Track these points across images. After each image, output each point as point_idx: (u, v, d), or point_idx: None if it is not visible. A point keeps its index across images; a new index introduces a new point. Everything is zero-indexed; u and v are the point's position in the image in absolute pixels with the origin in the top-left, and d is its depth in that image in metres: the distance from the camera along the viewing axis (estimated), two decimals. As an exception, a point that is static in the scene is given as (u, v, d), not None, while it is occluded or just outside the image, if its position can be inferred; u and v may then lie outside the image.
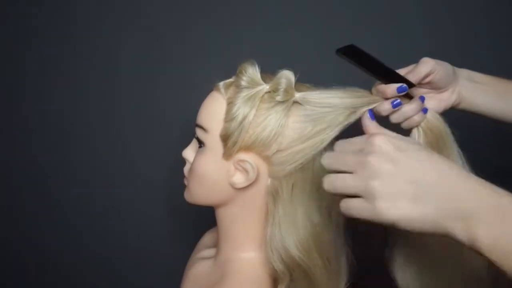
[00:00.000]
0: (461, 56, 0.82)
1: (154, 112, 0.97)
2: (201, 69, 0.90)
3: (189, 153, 0.67)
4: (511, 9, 0.80)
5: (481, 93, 0.62)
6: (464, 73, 0.63)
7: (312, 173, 0.60)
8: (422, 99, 0.60)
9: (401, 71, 0.61)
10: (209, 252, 0.75)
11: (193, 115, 0.64)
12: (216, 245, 0.71)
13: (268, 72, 0.62)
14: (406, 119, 0.59)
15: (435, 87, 0.61)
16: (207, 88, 0.65)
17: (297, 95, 0.59)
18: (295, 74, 0.60)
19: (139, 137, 0.98)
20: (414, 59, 0.82)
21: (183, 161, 0.68)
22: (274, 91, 0.58)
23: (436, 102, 0.62)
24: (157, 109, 0.96)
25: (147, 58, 0.95)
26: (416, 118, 0.59)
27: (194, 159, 0.64)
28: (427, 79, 0.60)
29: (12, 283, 1.12)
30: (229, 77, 0.64)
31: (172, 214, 1.01)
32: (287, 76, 0.59)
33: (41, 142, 1.03)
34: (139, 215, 1.03)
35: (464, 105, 0.63)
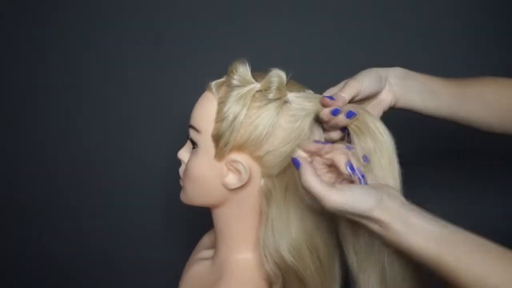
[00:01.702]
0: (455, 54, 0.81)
1: (153, 112, 0.97)
2: (199, 69, 0.90)
3: (184, 154, 0.66)
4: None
5: (412, 91, 0.62)
6: (396, 71, 0.63)
7: None
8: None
9: (331, 91, 0.61)
10: (208, 253, 0.75)
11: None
12: (214, 246, 0.71)
13: (260, 71, 0.61)
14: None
15: (367, 98, 0.61)
16: (203, 89, 0.65)
17: (289, 95, 0.58)
18: (287, 74, 0.60)
19: (137, 138, 0.99)
20: (410, 57, 0.81)
21: (179, 162, 0.68)
22: (265, 89, 0.58)
23: (372, 106, 0.62)
24: (156, 109, 0.96)
25: (146, 60, 0.95)
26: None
27: (188, 160, 0.64)
28: (357, 98, 0.60)
29: (11, 281, 1.13)
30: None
31: (171, 215, 1.01)
32: (278, 74, 0.59)
33: (42, 142, 1.04)
34: (138, 216, 1.03)
35: (400, 104, 0.63)
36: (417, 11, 0.82)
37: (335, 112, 0.56)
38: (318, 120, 0.60)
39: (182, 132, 0.86)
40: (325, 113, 0.58)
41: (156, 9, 0.93)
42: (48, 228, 1.08)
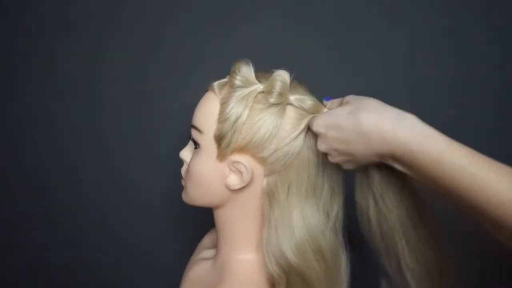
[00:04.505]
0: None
1: (154, 113, 0.95)
2: (200, 69, 0.89)
3: (185, 154, 0.66)
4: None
5: None
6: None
7: (307, 175, 0.58)
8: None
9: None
10: (209, 253, 0.75)
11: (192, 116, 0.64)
12: (215, 246, 0.70)
13: (264, 71, 0.61)
14: None
15: None
16: (205, 89, 0.64)
17: (292, 98, 0.58)
18: (290, 74, 0.59)
19: (138, 139, 0.97)
20: (413, 58, 0.81)
21: (181, 162, 0.67)
22: (268, 92, 0.57)
23: None
24: (157, 110, 0.95)
25: (146, 60, 0.94)
26: None
27: (190, 160, 0.63)
28: None
29: (12, 281, 1.13)
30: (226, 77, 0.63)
31: (172, 215, 1.00)
32: (283, 78, 0.58)
33: (41, 145, 1.03)
34: (138, 216, 1.01)
35: None
36: (419, 10, 0.81)
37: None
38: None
39: (182, 132, 0.86)
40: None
41: (156, 9, 0.92)
42: (47, 233, 1.07)
